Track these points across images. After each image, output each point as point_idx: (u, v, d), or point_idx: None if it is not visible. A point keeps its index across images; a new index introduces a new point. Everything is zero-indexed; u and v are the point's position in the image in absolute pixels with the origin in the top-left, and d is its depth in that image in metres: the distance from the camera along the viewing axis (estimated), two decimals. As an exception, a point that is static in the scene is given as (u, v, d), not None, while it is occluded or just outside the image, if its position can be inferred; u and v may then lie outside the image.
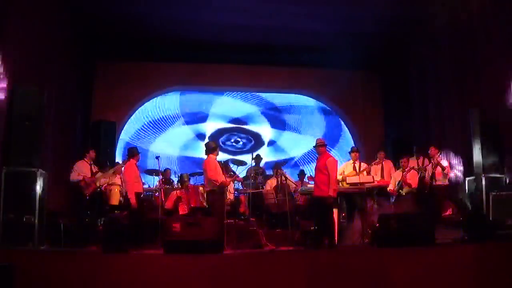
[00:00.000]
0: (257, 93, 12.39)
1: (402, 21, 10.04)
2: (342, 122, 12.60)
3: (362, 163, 8.47)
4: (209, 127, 12.24)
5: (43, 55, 8.06)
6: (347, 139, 12.45)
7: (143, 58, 11.64)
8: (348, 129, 12.75)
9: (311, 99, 12.66)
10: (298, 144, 12.33)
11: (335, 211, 7.19)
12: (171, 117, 12.11)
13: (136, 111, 11.86)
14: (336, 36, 10.42)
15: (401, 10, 9.43)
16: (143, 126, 11.93)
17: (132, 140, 11.71)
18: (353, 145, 9.02)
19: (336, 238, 7.05)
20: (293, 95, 12.64)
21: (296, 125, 12.54)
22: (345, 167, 8.46)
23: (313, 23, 10.07)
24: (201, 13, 9.73)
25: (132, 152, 7.68)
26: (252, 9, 9.67)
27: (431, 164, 8.14)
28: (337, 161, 7.10)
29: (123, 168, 7.71)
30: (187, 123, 12.14)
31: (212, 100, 12.31)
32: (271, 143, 12.40)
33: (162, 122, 12.03)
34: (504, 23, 7.65)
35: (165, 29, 10.33)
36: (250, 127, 12.49)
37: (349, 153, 8.72)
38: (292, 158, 12.35)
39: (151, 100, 12.00)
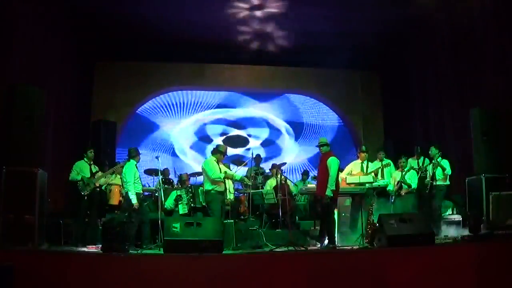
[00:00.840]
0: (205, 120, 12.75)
1: (402, 21, 10.04)
2: (285, 131, 12.83)
3: (370, 163, 8.48)
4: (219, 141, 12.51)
5: (43, 55, 8.06)
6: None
7: (143, 58, 11.65)
8: (348, 129, 12.76)
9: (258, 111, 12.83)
10: (262, 132, 12.79)
11: (335, 211, 7.19)
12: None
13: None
14: (336, 36, 10.42)
15: (401, 10, 9.43)
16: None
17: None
18: (363, 146, 9.01)
19: (336, 238, 7.05)
20: (241, 109, 12.78)
21: (251, 126, 12.85)
22: (353, 167, 8.47)
23: (313, 23, 10.07)
24: (201, 13, 9.73)
25: (131, 152, 7.67)
26: (252, 9, 9.68)
27: (431, 164, 8.13)
28: (337, 160, 7.08)
29: (123, 168, 7.71)
30: (207, 142, 12.54)
31: (203, 126, 12.64)
32: (249, 135, 12.74)
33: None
34: (504, 23, 7.66)
35: (165, 29, 10.33)
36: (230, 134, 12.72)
37: (358, 153, 8.74)
38: (268, 139, 12.72)
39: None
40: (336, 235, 7.12)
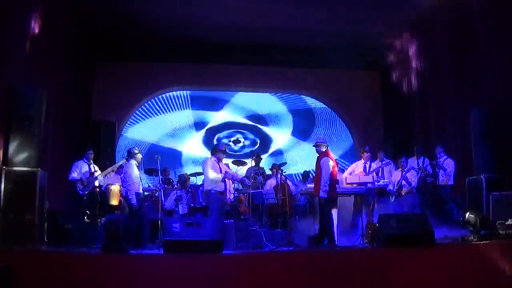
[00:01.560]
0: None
1: (402, 21, 10.04)
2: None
3: (372, 163, 8.48)
4: (219, 117, 12.37)
5: (43, 55, 8.05)
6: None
7: (144, 58, 11.62)
8: (348, 129, 12.76)
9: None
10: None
11: (334, 211, 7.19)
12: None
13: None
14: (336, 36, 10.42)
15: (400, 10, 9.43)
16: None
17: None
18: (366, 146, 9.02)
19: (335, 238, 7.05)
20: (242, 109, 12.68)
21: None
22: (355, 167, 8.47)
23: (313, 23, 10.07)
24: (202, 13, 9.73)
25: (130, 152, 7.67)
26: (253, 9, 9.67)
27: (432, 164, 8.13)
28: (329, 161, 7.06)
29: (123, 167, 7.71)
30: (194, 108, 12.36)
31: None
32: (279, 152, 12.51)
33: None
34: (504, 22, 7.66)
35: (166, 29, 10.32)
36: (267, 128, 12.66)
37: (361, 153, 8.74)
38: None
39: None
40: (336, 235, 7.12)
